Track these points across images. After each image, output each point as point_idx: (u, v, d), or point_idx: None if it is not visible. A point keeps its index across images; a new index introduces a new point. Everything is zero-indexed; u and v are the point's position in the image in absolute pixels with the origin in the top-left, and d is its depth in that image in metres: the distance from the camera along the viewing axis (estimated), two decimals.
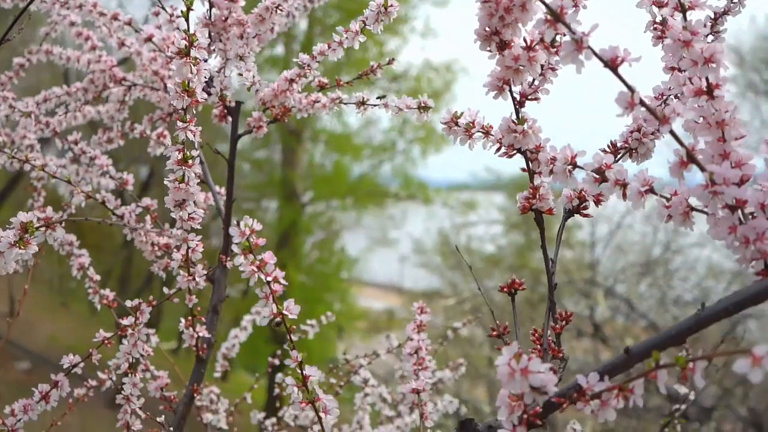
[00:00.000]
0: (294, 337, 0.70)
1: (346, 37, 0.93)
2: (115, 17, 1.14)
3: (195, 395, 1.03)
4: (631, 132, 0.72)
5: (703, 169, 0.53)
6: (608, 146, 0.73)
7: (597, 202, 0.71)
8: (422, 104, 0.88)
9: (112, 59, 1.26)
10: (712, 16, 0.74)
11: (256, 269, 0.65)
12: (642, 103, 0.53)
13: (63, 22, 1.28)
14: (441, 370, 1.54)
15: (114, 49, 1.29)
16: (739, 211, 0.55)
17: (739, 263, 0.54)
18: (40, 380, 1.01)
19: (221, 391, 2.09)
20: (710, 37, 0.75)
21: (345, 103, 1.01)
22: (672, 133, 0.53)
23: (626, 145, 0.72)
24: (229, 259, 1.02)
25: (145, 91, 1.25)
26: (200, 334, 1.01)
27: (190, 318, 1.01)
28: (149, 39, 1.09)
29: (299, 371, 0.68)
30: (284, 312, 0.66)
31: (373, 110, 1.00)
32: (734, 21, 0.56)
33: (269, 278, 0.65)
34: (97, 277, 1.14)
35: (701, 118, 0.57)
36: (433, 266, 10.96)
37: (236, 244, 0.64)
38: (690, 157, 0.54)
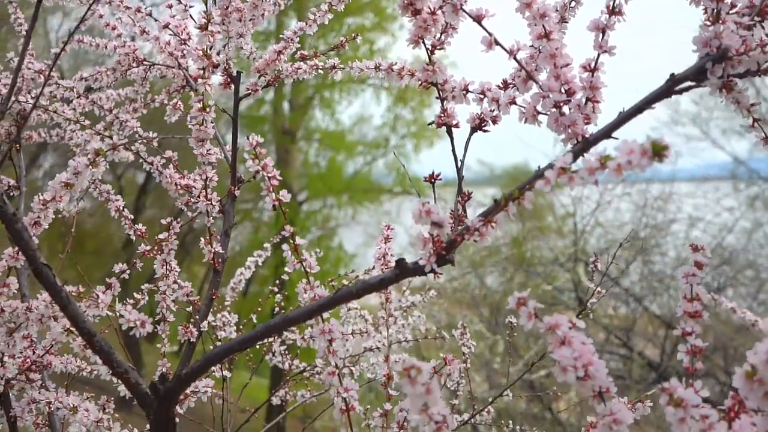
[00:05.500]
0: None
1: (319, 15, 1.25)
2: (138, 9, 1.45)
3: (213, 298, 1.34)
4: (516, 71, 1.03)
5: (537, 82, 0.85)
6: (502, 82, 1.04)
7: (494, 122, 1.02)
8: (377, 65, 1.19)
9: (134, 44, 1.56)
10: None
11: (260, 169, 0.96)
12: (496, 42, 0.84)
13: (93, 16, 1.59)
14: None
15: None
16: (567, 109, 0.86)
17: (564, 143, 0.86)
18: None
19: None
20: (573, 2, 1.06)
21: (321, 69, 1.32)
22: (516, 60, 0.85)
23: (513, 82, 1.03)
24: (237, 189, 1.33)
25: (162, 69, 1.56)
26: (216, 250, 1.32)
27: (208, 237, 1.32)
28: (166, 26, 1.39)
29: (292, 241, 0.99)
30: (280, 197, 0.97)
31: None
32: None
33: (269, 175, 0.96)
34: (131, 216, 1.45)
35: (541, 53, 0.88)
36: None
37: (246, 151, 0.95)
38: (528, 76, 0.85)
